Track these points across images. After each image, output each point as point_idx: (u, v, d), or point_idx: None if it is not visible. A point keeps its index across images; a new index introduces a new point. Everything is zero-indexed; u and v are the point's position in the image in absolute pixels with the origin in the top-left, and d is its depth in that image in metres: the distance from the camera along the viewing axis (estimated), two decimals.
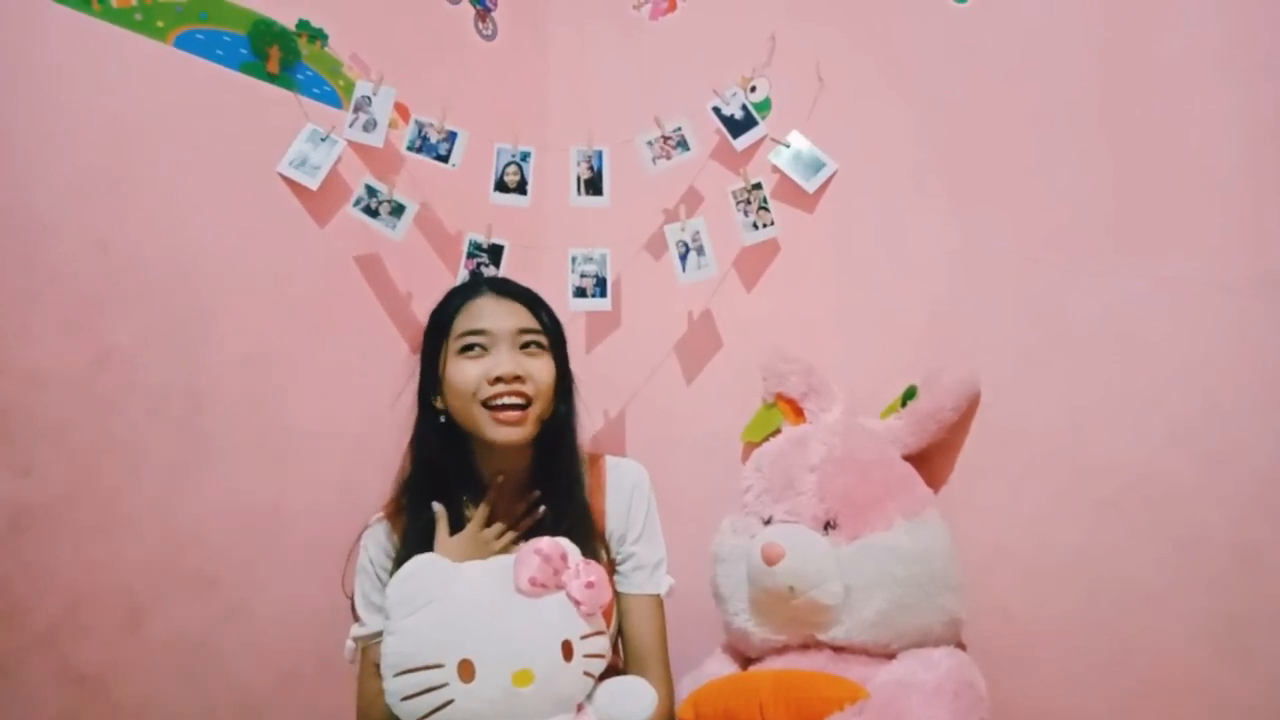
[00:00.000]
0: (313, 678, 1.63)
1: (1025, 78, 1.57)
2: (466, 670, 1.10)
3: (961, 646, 1.43)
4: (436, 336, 1.42)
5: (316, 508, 1.66)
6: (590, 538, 1.39)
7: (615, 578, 1.43)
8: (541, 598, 1.17)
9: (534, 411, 1.37)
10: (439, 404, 1.41)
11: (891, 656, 1.36)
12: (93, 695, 1.40)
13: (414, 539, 1.37)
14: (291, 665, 1.61)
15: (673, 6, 2.05)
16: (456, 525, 1.38)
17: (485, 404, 1.35)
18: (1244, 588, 1.31)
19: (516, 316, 1.40)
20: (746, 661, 1.50)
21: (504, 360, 1.35)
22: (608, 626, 1.34)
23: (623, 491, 1.47)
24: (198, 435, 1.54)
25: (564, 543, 1.21)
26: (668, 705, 1.38)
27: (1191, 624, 1.34)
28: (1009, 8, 1.60)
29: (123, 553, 1.44)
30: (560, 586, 1.18)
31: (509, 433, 1.35)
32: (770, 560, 1.35)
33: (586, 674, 1.18)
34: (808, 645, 1.41)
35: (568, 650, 1.15)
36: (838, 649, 1.38)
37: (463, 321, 1.39)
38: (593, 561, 1.23)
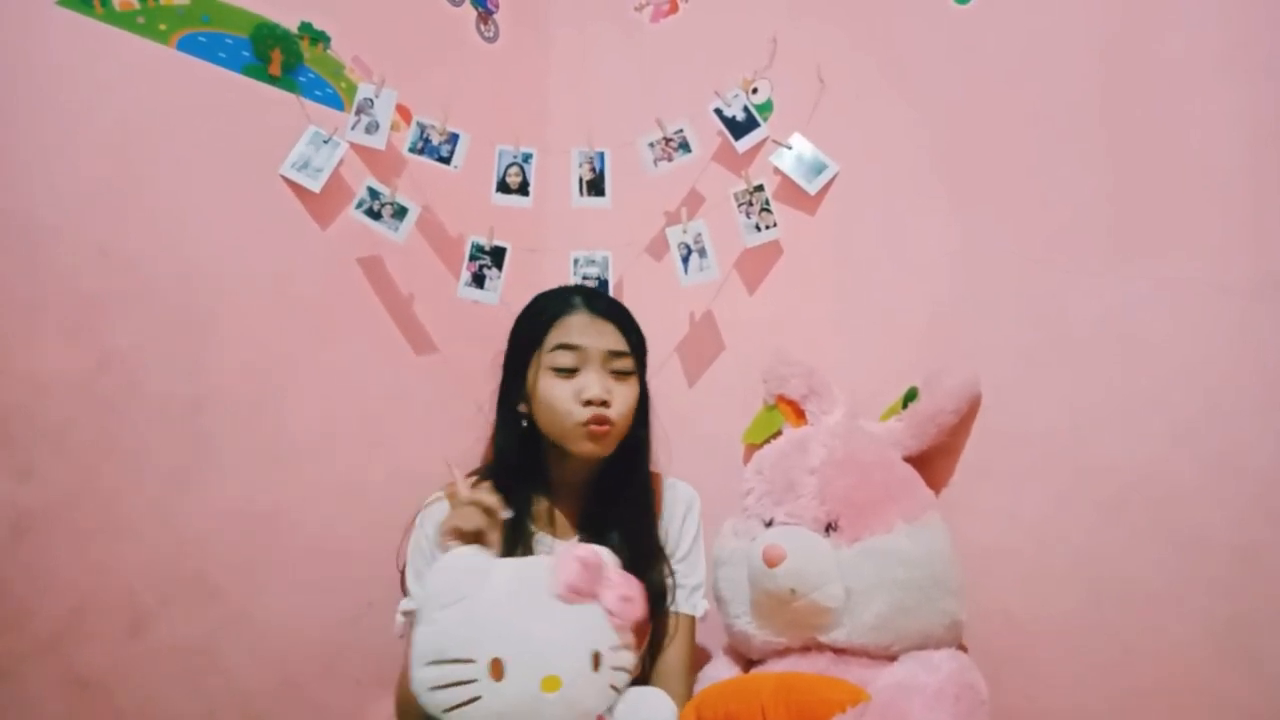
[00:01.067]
0: (315, 683, 1.63)
1: (1026, 79, 1.56)
2: (497, 669, 1.10)
3: (963, 649, 1.43)
4: (527, 347, 1.47)
5: (318, 512, 1.66)
6: (657, 561, 1.47)
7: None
8: (576, 605, 1.17)
9: (615, 433, 1.44)
10: (523, 409, 1.47)
11: (893, 659, 1.35)
12: (94, 700, 1.40)
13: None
14: (293, 670, 1.61)
15: (674, 8, 2.05)
16: (519, 522, 1.43)
17: (576, 423, 1.41)
18: (1246, 589, 1.31)
19: (608, 338, 1.46)
20: (748, 664, 1.50)
21: (593, 383, 1.42)
22: (643, 642, 1.37)
23: (676, 513, 1.54)
24: (199, 439, 1.54)
25: (603, 552, 1.22)
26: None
27: (1193, 626, 1.34)
28: (1010, 9, 1.60)
29: (124, 557, 1.45)
30: (596, 596, 1.18)
31: (592, 449, 1.43)
32: (771, 562, 1.35)
33: (612, 686, 1.19)
34: (809, 648, 1.41)
35: (597, 661, 1.15)
36: (839, 651, 1.38)
37: (556, 335, 1.45)
38: (632, 576, 1.24)
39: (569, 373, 1.43)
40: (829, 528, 1.41)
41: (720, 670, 1.50)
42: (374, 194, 1.75)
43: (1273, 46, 1.35)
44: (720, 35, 1.96)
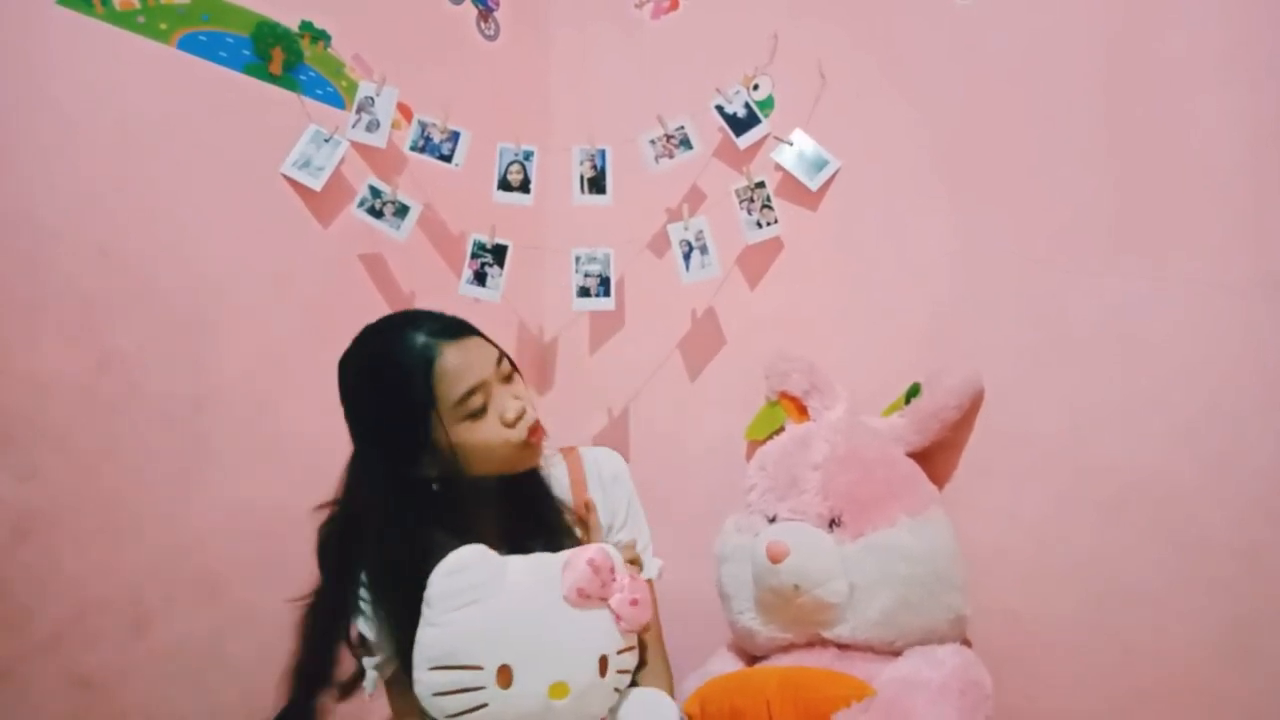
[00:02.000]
0: None
1: (1028, 77, 1.56)
2: (505, 676, 1.09)
3: (967, 644, 1.43)
4: (414, 412, 1.26)
5: (320, 511, 1.66)
6: (567, 532, 1.38)
7: None
8: (585, 609, 1.15)
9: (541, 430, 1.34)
10: (432, 473, 1.30)
11: (897, 654, 1.35)
12: (98, 701, 1.40)
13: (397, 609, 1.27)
14: None
15: (675, 5, 2.05)
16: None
17: (515, 446, 1.29)
18: (1247, 590, 1.31)
19: (482, 354, 1.30)
20: (752, 660, 1.50)
21: (508, 404, 1.29)
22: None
23: (604, 481, 1.44)
24: (201, 439, 1.54)
25: (613, 554, 1.20)
26: (669, 680, 1.38)
27: (1194, 626, 1.34)
28: (1012, 7, 1.59)
29: (127, 557, 1.45)
30: (605, 600, 1.17)
31: (534, 457, 1.34)
32: (775, 558, 1.35)
33: (615, 689, 1.18)
34: (813, 643, 1.41)
35: (603, 665, 1.15)
36: (843, 647, 1.38)
37: (448, 388, 1.26)
38: (639, 578, 1.22)
39: (482, 411, 1.27)
40: (832, 523, 1.41)
41: (723, 666, 1.50)
42: (375, 192, 1.75)
43: (1274, 46, 1.35)
44: (721, 32, 1.95)
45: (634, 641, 1.21)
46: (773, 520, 1.46)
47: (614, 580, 1.18)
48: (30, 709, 1.33)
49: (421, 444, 1.27)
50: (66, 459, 1.40)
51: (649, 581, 1.43)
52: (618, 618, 1.17)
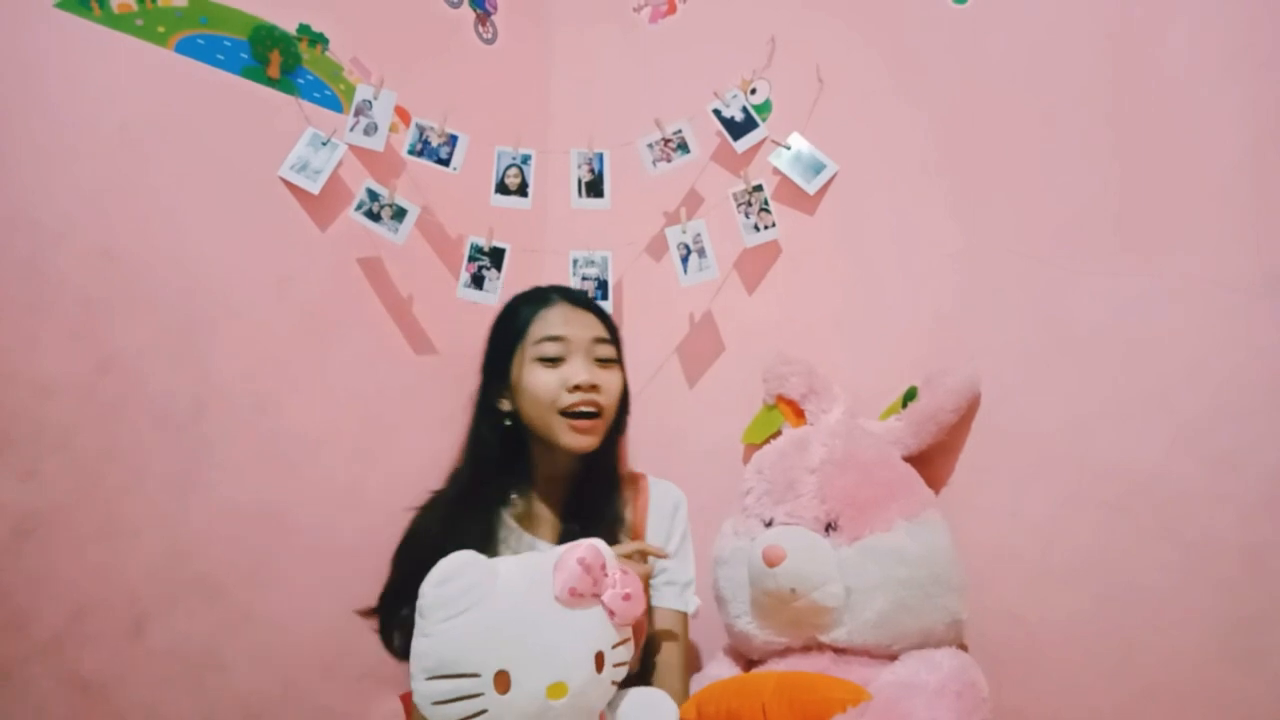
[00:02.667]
0: (316, 685, 1.63)
1: (1027, 78, 1.56)
2: (503, 682, 1.09)
3: (963, 647, 1.43)
4: (509, 341, 1.48)
5: (320, 514, 1.67)
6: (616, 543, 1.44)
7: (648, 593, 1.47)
8: (579, 607, 1.16)
9: (602, 423, 1.45)
10: (505, 406, 1.47)
11: (894, 658, 1.35)
12: (96, 703, 1.40)
13: (469, 533, 1.38)
14: (295, 673, 1.62)
15: (672, 9, 2.06)
16: (496, 519, 1.45)
17: (563, 412, 1.42)
18: (1252, 590, 1.30)
19: (591, 326, 1.47)
20: (749, 664, 1.50)
21: (580, 369, 1.43)
22: (642, 637, 1.38)
23: (664, 512, 1.54)
24: (201, 442, 1.54)
25: (604, 550, 1.20)
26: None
27: (1199, 627, 1.34)
28: (1010, 8, 1.60)
29: (126, 559, 1.45)
30: (598, 596, 1.17)
31: (583, 441, 1.43)
32: (772, 562, 1.35)
33: (613, 683, 1.18)
34: (809, 647, 1.41)
35: (600, 661, 1.15)
36: (840, 651, 1.38)
37: (539, 328, 1.45)
38: (630, 572, 1.23)
39: (554, 362, 1.44)
40: (829, 527, 1.41)
41: (720, 670, 1.50)
42: (373, 195, 1.75)
43: (1274, 44, 1.35)
44: (719, 35, 1.96)
45: (629, 635, 1.21)
46: (770, 524, 1.46)
47: (605, 577, 1.18)
48: (29, 710, 1.33)
49: (504, 373, 1.47)
50: (66, 460, 1.40)
51: (684, 615, 1.51)
52: (611, 613, 1.17)
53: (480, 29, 2.09)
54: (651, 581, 1.48)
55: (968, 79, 1.63)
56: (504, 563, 1.20)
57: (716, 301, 1.90)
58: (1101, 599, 1.41)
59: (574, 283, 1.88)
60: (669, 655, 1.47)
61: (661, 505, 1.55)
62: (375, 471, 1.75)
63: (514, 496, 1.50)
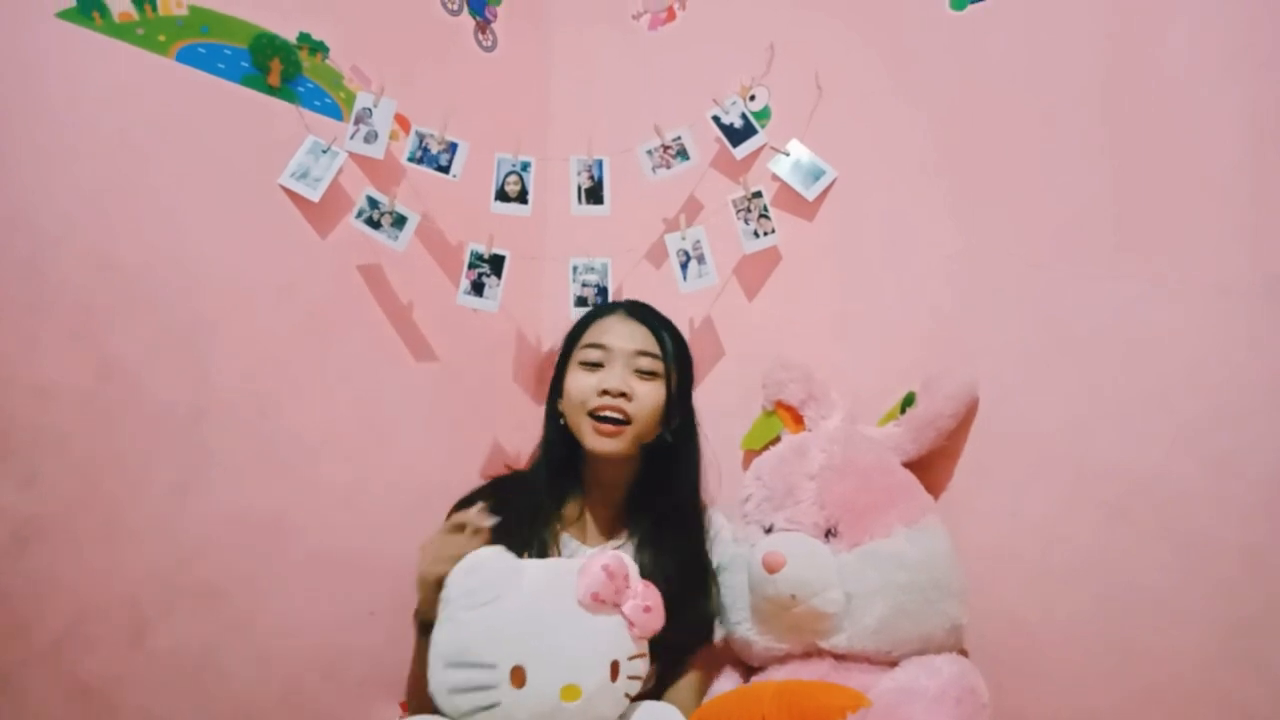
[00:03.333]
0: (317, 690, 1.63)
1: (1025, 81, 1.57)
2: (518, 676, 1.11)
3: (963, 653, 1.43)
4: (567, 346, 1.58)
5: (320, 519, 1.66)
6: (705, 587, 1.48)
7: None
8: (599, 613, 1.18)
9: (632, 430, 1.47)
10: (561, 407, 1.53)
11: (894, 664, 1.35)
12: (96, 708, 1.40)
13: (535, 488, 1.51)
14: (295, 678, 1.61)
15: (672, 16, 2.06)
16: (545, 522, 1.50)
17: (591, 414, 1.46)
18: (1252, 592, 1.31)
19: (638, 338, 1.51)
20: (749, 671, 1.50)
21: (614, 376, 1.46)
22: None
23: (716, 545, 1.56)
24: (201, 447, 1.54)
25: (628, 560, 1.22)
26: None
27: (1199, 629, 1.34)
28: (1008, 11, 1.60)
29: (126, 565, 1.45)
30: (618, 605, 1.19)
31: (603, 443, 1.46)
32: (772, 568, 1.35)
33: (626, 695, 1.20)
34: (810, 654, 1.41)
35: (615, 671, 1.16)
36: (840, 657, 1.38)
37: (589, 335, 1.54)
38: (653, 586, 1.25)
39: (594, 367, 1.49)
40: (829, 533, 1.41)
41: (721, 682, 1.50)
42: (373, 203, 1.76)
43: (1274, 45, 1.36)
44: (718, 42, 1.96)
45: (645, 649, 1.22)
46: (769, 530, 1.46)
47: (628, 587, 1.19)
48: (29, 716, 1.33)
49: (562, 375, 1.55)
50: (66, 466, 1.40)
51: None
52: (631, 624, 1.19)
53: (480, 36, 2.10)
54: None
55: (966, 82, 1.63)
56: (531, 564, 1.23)
57: (715, 307, 1.90)
58: (1101, 600, 1.41)
59: (574, 289, 1.88)
60: (689, 680, 1.47)
61: (719, 534, 1.56)
62: (375, 478, 1.75)
63: (569, 500, 1.54)
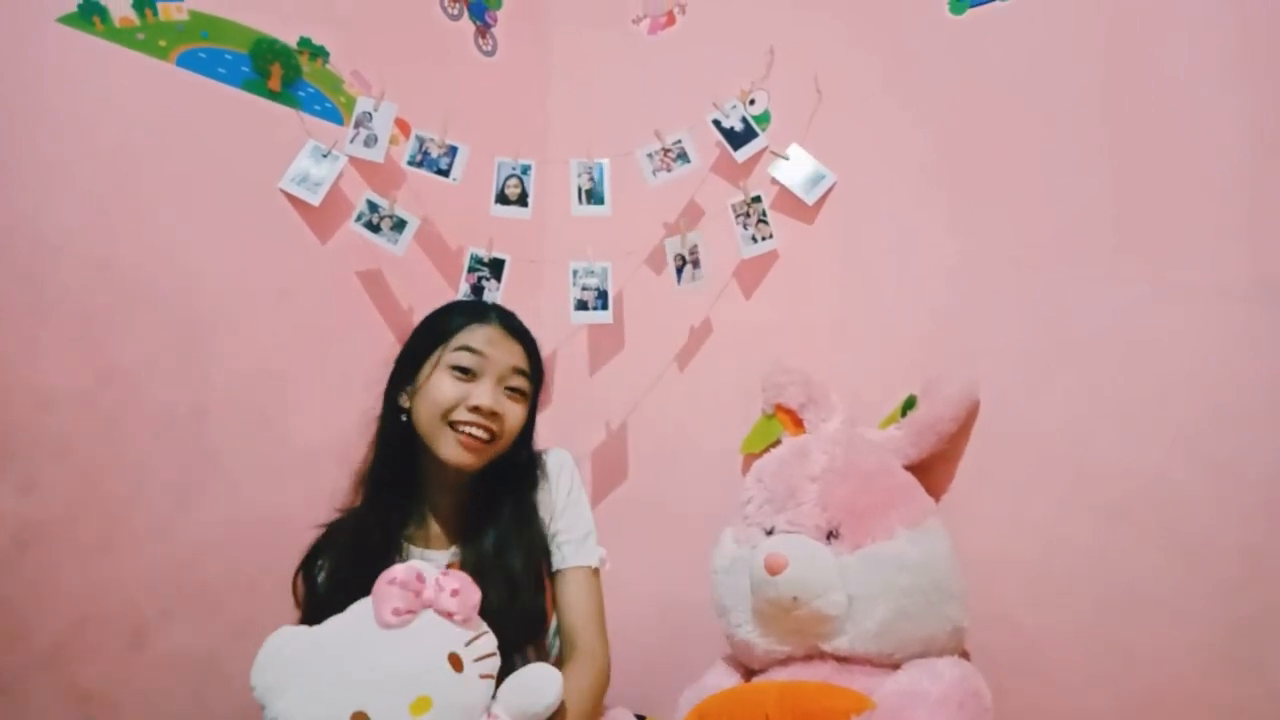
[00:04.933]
0: None
1: (1025, 85, 1.57)
2: None
3: (965, 655, 1.43)
4: (431, 341, 1.43)
5: (319, 523, 1.66)
6: (538, 588, 1.41)
7: (551, 559, 1.45)
8: (410, 624, 1.14)
9: (495, 448, 1.40)
10: (404, 402, 1.43)
11: (896, 667, 1.35)
12: (97, 713, 1.40)
13: (370, 527, 1.40)
14: None
15: (671, 20, 2.06)
16: (391, 532, 1.42)
17: (452, 424, 1.37)
18: (1251, 595, 1.31)
19: (515, 355, 1.43)
20: (749, 673, 1.50)
21: (486, 393, 1.38)
22: (550, 617, 1.40)
23: (557, 481, 1.49)
24: (201, 452, 1.54)
25: (417, 565, 1.19)
26: (603, 672, 1.38)
27: (1197, 631, 1.34)
28: (1007, 18, 1.60)
29: (126, 569, 1.45)
30: (427, 604, 1.16)
31: (465, 458, 1.37)
32: (773, 570, 1.35)
33: (483, 676, 1.16)
34: (811, 656, 1.40)
35: (456, 662, 1.13)
36: (842, 659, 1.38)
37: (464, 338, 1.41)
38: (451, 571, 1.22)
39: (466, 375, 1.39)
40: (830, 535, 1.41)
41: (720, 679, 1.50)
42: (373, 207, 1.76)
43: (1273, 52, 1.36)
44: (718, 46, 1.97)
45: (482, 628, 1.20)
46: (770, 532, 1.46)
47: (423, 586, 1.16)
48: None
49: (414, 373, 1.42)
50: (67, 471, 1.40)
51: (588, 569, 1.45)
52: (449, 614, 1.16)
53: (480, 41, 2.10)
54: (550, 547, 1.44)
55: (965, 86, 1.64)
56: (326, 623, 1.18)
57: (716, 311, 1.90)
58: (1101, 603, 1.41)
59: (574, 293, 1.88)
60: (579, 612, 1.41)
61: (556, 477, 1.50)
62: None
63: (410, 509, 1.46)
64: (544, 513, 1.46)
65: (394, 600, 1.14)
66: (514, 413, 1.41)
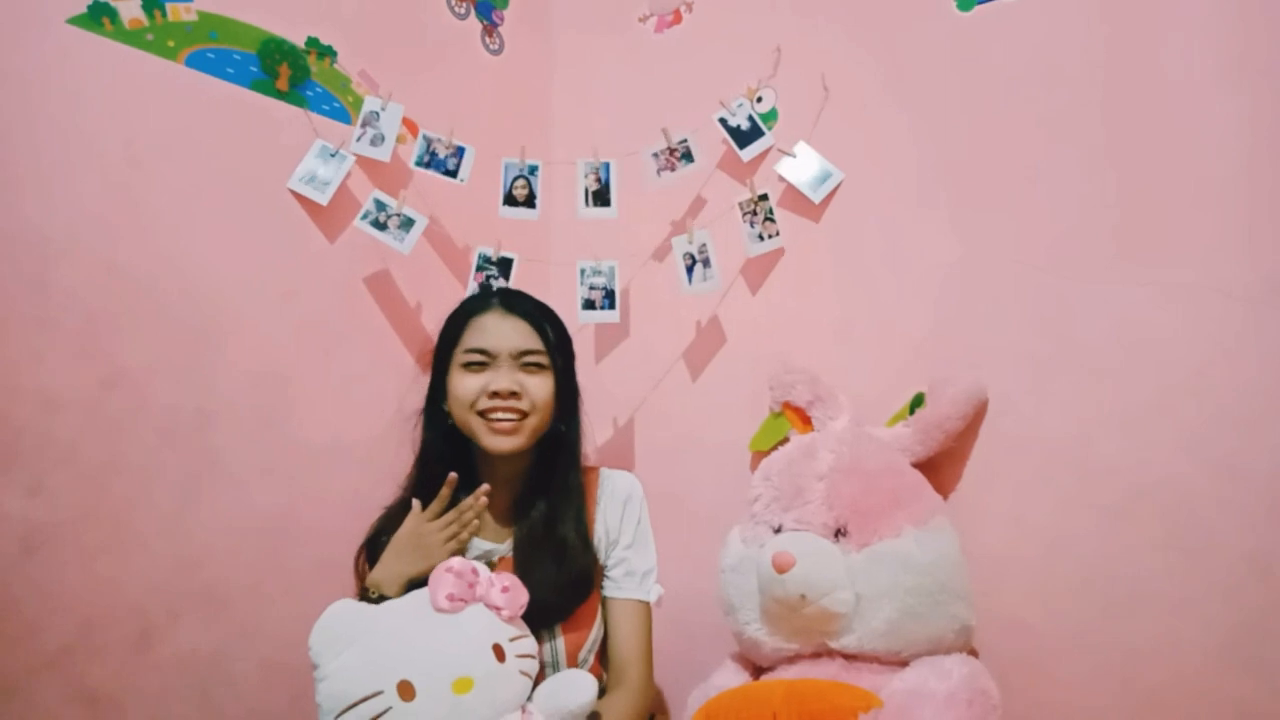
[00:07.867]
0: None
1: (1029, 87, 1.57)
2: (407, 690, 1.14)
3: (973, 654, 1.42)
4: (444, 345, 1.50)
5: (327, 524, 1.66)
6: (587, 547, 1.47)
7: (605, 583, 1.49)
8: (462, 611, 1.23)
9: (529, 424, 1.45)
10: (447, 407, 1.48)
11: (903, 665, 1.35)
12: (104, 715, 1.40)
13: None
14: (303, 683, 1.59)
15: (678, 19, 2.06)
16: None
17: (482, 414, 1.43)
18: (1256, 595, 1.30)
19: (519, 336, 1.46)
20: (758, 671, 1.49)
21: (502, 376, 1.43)
22: (588, 633, 1.43)
23: (615, 501, 1.53)
24: (207, 454, 1.54)
25: (473, 562, 1.27)
26: (648, 708, 1.44)
27: (1202, 631, 1.34)
28: (1013, 17, 1.60)
29: (133, 572, 1.45)
30: (479, 599, 1.24)
31: (502, 441, 1.43)
32: (781, 568, 1.35)
33: (523, 673, 1.23)
34: (819, 654, 1.40)
35: (499, 653, 1.20)
36: (849, 658, 1.38)
37: (468, 337, 1.47)
38: (505, 572, 1.30)
39: (479, 367, 1.44)
40: (838, 533, 1.41)
41: (728, 678, 1.50)
42: (381, 206, 1.76)
43: (1273, 53, 1.36)
44: (724, 45, 1.96)
45: (525, 630, 1.28)
46: (778, 530, 1.46)
47: (477, 578, 1.25)
48: None
49: (443, 377, 1.49)
50: (73, 474, 1.40)
51: (645, 604, 1.50)
52: (497, 609, 1.25)
53: (487, 40, 2.10)
54: (610, 574, 1.49)
55: (972, 87, 1.63)
56: (386, 603, 1.28)
57: (722, 309, 1.90)
58: (1105, 604, 1.41)
59: (581, 292, 1.87)
60: (630, 645, 1.46)
61: (613, 495, 1.54)
62: (382, 483, 1.75)
63: (462, 500, 1.47)
64: (603, 532, 1.51)
65: (449, 586, 1.23)
66: (536, 384, 1.45)
